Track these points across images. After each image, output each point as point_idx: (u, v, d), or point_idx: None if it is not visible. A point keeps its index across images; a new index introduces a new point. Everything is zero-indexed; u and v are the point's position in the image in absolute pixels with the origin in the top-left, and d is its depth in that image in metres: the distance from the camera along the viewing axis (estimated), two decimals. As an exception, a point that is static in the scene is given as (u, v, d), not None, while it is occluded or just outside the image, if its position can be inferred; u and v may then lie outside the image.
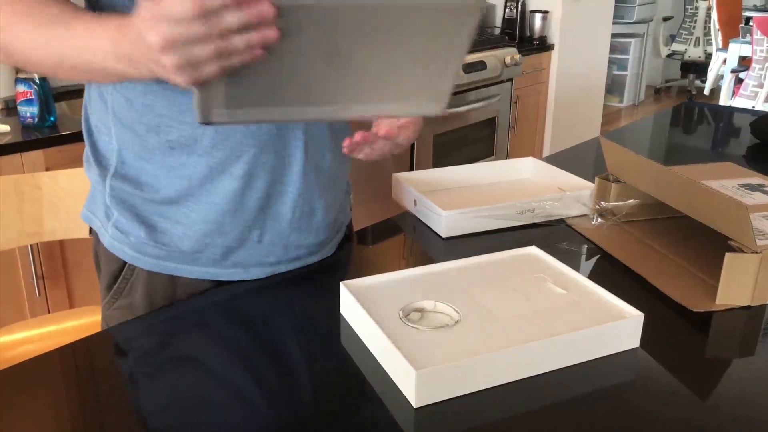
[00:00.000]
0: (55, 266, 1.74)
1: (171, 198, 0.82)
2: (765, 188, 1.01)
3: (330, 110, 0.68)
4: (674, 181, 0.88)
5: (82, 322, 1.42)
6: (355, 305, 0.73)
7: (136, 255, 0.84)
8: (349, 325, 0.76)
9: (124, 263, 0.86)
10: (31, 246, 1.67)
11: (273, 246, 0.86)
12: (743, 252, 0.77)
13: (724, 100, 4.35)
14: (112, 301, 0.88)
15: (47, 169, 1.64)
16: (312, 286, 0.89)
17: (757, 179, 1.06)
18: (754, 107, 3.97)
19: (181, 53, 0.57)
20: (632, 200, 1.00)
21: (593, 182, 1.05)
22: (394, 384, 0.65)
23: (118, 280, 0.87)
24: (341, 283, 0.78)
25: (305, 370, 0.69)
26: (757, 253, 0.77)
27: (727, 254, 0.77)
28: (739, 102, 4.11)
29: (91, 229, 0.91)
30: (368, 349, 0.71)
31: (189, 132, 0.78)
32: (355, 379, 0.68)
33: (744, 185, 1.03)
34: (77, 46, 0.67)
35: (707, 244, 0.88)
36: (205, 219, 0.82)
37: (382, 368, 0.68)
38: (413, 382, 0.61)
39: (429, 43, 0.67)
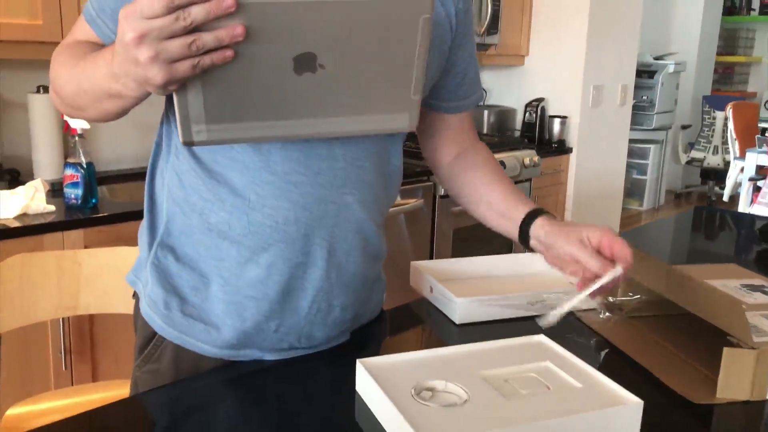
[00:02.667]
0: (82, 341, 1.80)
1: (203, 274, 0.89)
2: (765, 289, 1.06)
3: (305, 125, 0.72)
4: (678, 280, 0.93)
5: (106, 395, 1.46)
6: (371, 382, 0.78)
7: (165, 327, 0.91)
8: (363, 402, 0.81)
9: (155, 332, 0.93)
10: (62, 320, 1.74)
11: (288, 335, 0.92)
12: (741, 347, 0.82)
13: (742, 207, 4.40)
14: (143, 364, 0.95)
15: (85, 247, 1.74)
16: (329, 363, 0.94)
17: (758, 280, 1.11)
18: (772, 215, 4.02)
19: (152, 46, 0.63)
20: (639, 296, 1.05)
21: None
22: (404, 457, 0.69)
23: (149, 346, 0.94)
24: (358, 361, 0.83)
25: (321, 441, 0.74)
26: (754, 348, 0.81)
27: (725, 349, 0.81)
28: (757, 209, 4.16)
29: (134, 292, 0.98)
30: (381, 425, 0.75)
31: (226, 218, 0.86)
32: (368, 452, 0.72)
33: (746, 285, 1.07)
34: (87, 72, 0.77)
35: (710, 340, 0.92)
36: (228, 300, 0.88)
37: (394, 442, 0.72)
38: (422, 455, 0.65)
39: (388, 48, 0.70)
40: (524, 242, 0.98)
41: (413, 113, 0.79)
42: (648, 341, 0.98)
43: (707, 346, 0.93)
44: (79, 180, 1.80)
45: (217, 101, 0.68)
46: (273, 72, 0.68)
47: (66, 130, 1.85)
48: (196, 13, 0.63)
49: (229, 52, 0.65)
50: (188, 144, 0.70)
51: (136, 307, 0.98)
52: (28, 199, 1.74)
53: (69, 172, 1.81)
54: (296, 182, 0.85)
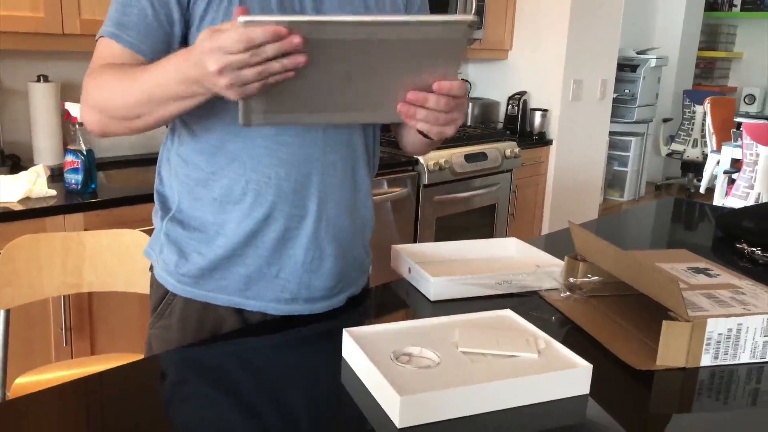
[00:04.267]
0: (82, 318, 1.90)
1: (209, 236, 1.04)
2: (709, 272, 1.18)
3: (337, 116, 0.91)
4: (626, 261, 1.05)
5: (106, 366, 1.56)
6: (355, 348, 0.89)
7: (176, 284, 1.07)
8: (348, 366, 0.92)
9: (167, 291, 1.08)
10: (63, 298, 1.83)
11: (288, 282, 1.05)
12: (678, 320, 0.93)
13: (717, 199, 4.56)
14: (155, 322, 1.10)
15: (86, 230, 1.83)
16: (318, 332, 1.05)
17: (703, 264, 1.23)
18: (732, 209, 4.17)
19: (231, 76, 0.79)
20: (596, 277, 1.17)
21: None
22: (383, 410, 0.80)
23: (161, 304, 1.09)
24: (344, 330, 0.94)
25: (309, 405, 0.85)
26: (689, 321, 0.93)
27: (664, 321, 0.93)
28: (731, 201, 4.32)
29: (151, 265, 1.13)
30: (364, 385, 0.86)
31: (226, 184, 1.02)
32: (351, 407, 0.83)
33: (691, 268, 1.20)
34: (153, 79, 0.89)
35: (656, 316, 1.04)
36: (232, 251, 1.03)
37: (374, 398, 0.83)
38: (397, 406, 0.77)
39: (425, 64, 0.88)
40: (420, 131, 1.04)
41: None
42: (602, 317, 1.10)
43: (653, 320, 1.05)
44: (80, 166, 1.89)
45: (274, 99, 0.85)
46: (322, 81, 0.86)
47: (66, 118, 1.93)
48: (270, 50, 0.78)
49: (290, 73, 0.81)
50: (246, 125, 0.87)
51: (152, 276, 1.12)
52: (31, 184, 1.83)
53: (70, 158, 1.90)
54: (284, 143, 1.00)
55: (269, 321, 1.08)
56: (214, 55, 0.78)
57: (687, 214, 2.01)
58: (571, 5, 3.45)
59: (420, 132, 0.97)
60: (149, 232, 1.53)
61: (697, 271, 1.18)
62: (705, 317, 0.94)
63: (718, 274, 1.16)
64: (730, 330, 0.95)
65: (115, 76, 0.93)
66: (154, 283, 1.11)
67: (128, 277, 1.52)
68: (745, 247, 1.49)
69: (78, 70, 2.32)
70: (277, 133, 1.00)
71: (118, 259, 1.51)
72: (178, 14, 0.96)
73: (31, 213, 1.76)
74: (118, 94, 0.93)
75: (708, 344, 0.95)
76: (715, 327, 0.94)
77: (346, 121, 0.96)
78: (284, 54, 0.79)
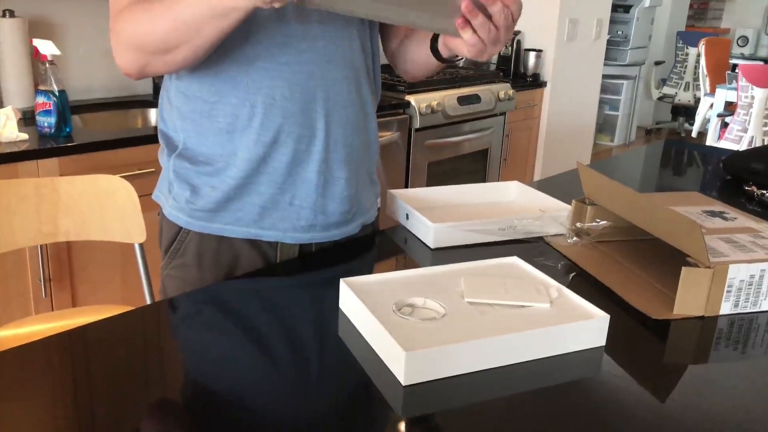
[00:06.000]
0: (61, 269, 1.82)
1: (219, 168, 1.00)
2: (725, 215, 1.11)
3: (385, 8, 0.86)
4: (641, 204, 0.98)
5: (88, 319, 1.49)
6: (354, 299, 0.82)
7: (189, 220, 1.03)
8: (346, 318, 0.85)
9: (180, 229, 1.04)
10: (40, 248, 1.75)
11: (302, 209, 1.03)
12: (698, 267, 0.87)
13: (710, 143, 4.51)
14: (169, 261, 1.06)
15: (61, 176, 1.73)
16: (317, 279, 0.98)
17: (719, 207, 1.16)
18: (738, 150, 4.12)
19: None
20: (605, 222, 1.10)
21: (571, 204, 1.15)
22: (386, 366, 0.74)
23: (174, 243, 1.05)
24: (341, 280, 0.87)
25: (306, 357, 0.78)
26: (709, 268, 0.87)
27: (683, 268, 0.87)
28: (724, 145, 4.27)
29: (159, 211, 1.09)
30: (363, 338, 0.80)
31: (231, 111, 0.98)
32: (350, 363, 0.76)
33: (706, 211, 1.13)
34: (185, 1, 0.84)
35: (671, 262, 0.98)
36: (244, 180, 1.00)
37: (375, 353, 0.77)
38: (402, 363, 0.70)
39: None
40: (434, 50, 1.07)
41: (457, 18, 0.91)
42: (613, 263, 1.04)
43: (668, 267, 0.99)
44: (52, 108, 1.78)
45: None
46: None
47: (36, 56, 1.81)
48: None
49: None
50: (299, 4, 0.82)
51: (160, 219, 1.08)
52: (0, 128, 1.72)
53: (41, 99, 1.78)
54: (284, 62, 0.96)
55: (287, 260, 1.06)
56: None
57: (689, 157, 1.94)
58: (567, -61, 3.30)
59: (435, 53, 0.99)
60: (129, 178, 1.45)
61: (713, 214, 1.12)
62: (726, 263, 0.88)
63: (734, 218, 1.10)
64: (752, 276, 0.89)
65: (144, 10, 0.88)
66: (165, 223, 1.07)
67: (107, 225, 1.43)
68: (755, 190, 1.43)
69: (47, 4, 2.17)
70: (274, 54, 0.96)
71: (95, 206, 1.42)
72: None
73: (1, 158, 1.66)
74: (151, 25, 0.88)
75: (729, 291, 0.89)
76: (737, 273, 0.88)
77: (397, 19, 0.90)
78: None
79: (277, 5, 0.79)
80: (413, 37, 1.12)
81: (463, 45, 0.92)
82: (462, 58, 1.03)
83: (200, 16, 0.84)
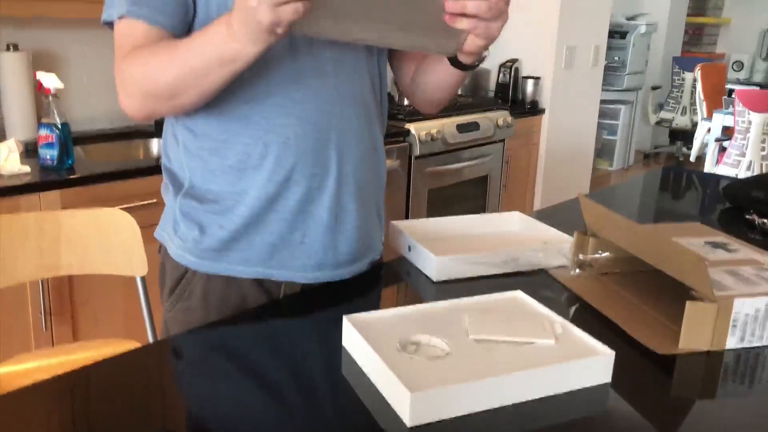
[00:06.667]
0: (62, 302, 1.81)
1: (229, 207, 0.99)
2: (728, 246, 1.12)
3: (383, 34, 0.87)
4: (644, 237, 0.98)
5: (89, 354, 1.49)
6: (357, 337, 0.82)
7: (196, 260, 1.01)
8: (349, 356, 0.84)
9: (186, 270, 1.02)
10: (41, 281, 1.74)
11: (313, 247, 1.01)
12: (702, 301, 0.87)
13: (708, 168, 4.52)
14: (174, 304, 1.04)
15: (63, 209, 1.74)
16: (320, 315, 0.97)
17: (721, 238, 1.16)
18: (737, 175, 4.14)
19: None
20: (608, 253, 1.10)
21: (573, 235, 1.15)
22: (390, 406, 0.74)
23: (180, 285, 1.03)
24: (344, 317, 0.86)
25: (309, 397, 0.77)
26: (714, 302, 0.87)
27: (687, 302, 0.87)
28: (722, 169, 4.28)
29: (160, 247, 1.07)
30: (367, 377, 0.79)
31: (242, 150, 0.97)
32: (355, 403, 0.76)
33: (709, 243, 1.13)
34: (194, 49, 0.85)
35: (675, 294, 0.97)
36: (255, 219, 0.99)
37: (380, 393, 0.76)
38: (408, 403, 0.70)
39: None
40: (452, 61, 1.03)
41: (459, 41, 0.92)
42: (616, 296, 1.03)
43: (672, 300, 0.98)
44: (54, 140, 1.79)
45: (324, 2, 0.80)
46: None
47: (39, 89, 1.82)
48: None
49: None
50: (298, 32, 0.83)
51: (163, 259, 1.06)
52: (2, 160, 1.73)
53: (43, 132, 1.79)
54: (296, 99, 0.96)
55: (290, 295, 1.04)
56: None
57: (689, 185, 1.95)
58: (563, -31, 3.35)
59: (452, 61, 0.98)
60: (130, 210, 1.45)
61: (716, 245, 1.12)
62: (731, 297, 0.88)
63: (737, 249, 1.10)
64: (757, 310, 0.89)
65: (151, 54, 0.89)
66: (169, 264, 1.05)
67: (109, 259, 1.43)
68: (756, 218, 1.43)
69: (50, 37, 2.20)
70: (288, 91, 0.96)
71: (97, 240, 1.42)
72: None
73: (4, 191, 1.66)
74: (158, 71, 0.88)
75: (734, 326, 0.89)
76: (742, 307, 0.88)
77: (399, 43, 0.91)
78: None
79: (280, 30, 0.79)
80: (428, 62, 1.10)
81: (471, 37, 0.91)
82: (486, 55, 1.01)
83: (209, 62, 0.84)
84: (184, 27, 0.93)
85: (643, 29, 5.58)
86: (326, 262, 1.04)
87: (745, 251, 1.09)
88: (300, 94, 0.96)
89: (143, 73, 0.89)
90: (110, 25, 0.95)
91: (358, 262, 1.08)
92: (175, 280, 1.04)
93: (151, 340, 1.47)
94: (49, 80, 1.77)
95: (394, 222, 1.24)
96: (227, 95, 0.94)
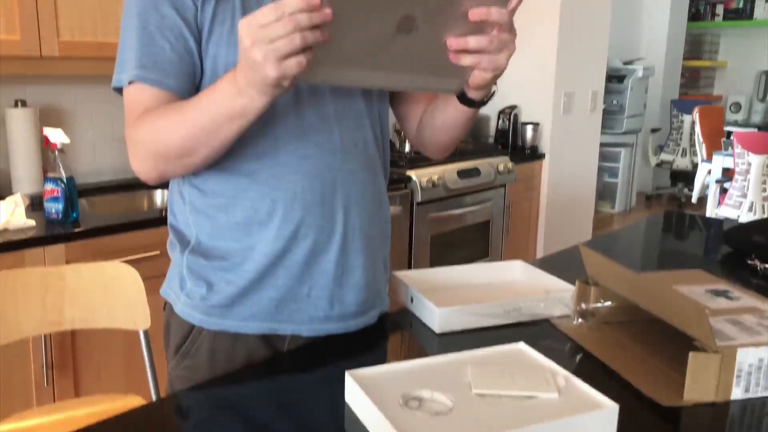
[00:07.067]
0: (64, 356, 1.81)
1: (236, 263, 0.99)
2: (729, 294, 1.12)
3: (387, 77, 0.87)
4: (645, 286, 0.98)
5: (92, 410, 1.48)
6: (360, 393, 0.82)
7: (203, 317, 1.01)
8: (353, 412, 0.84)
9: (192, 327, 1.01)
10: (44, 335, 1.74)
11: (320, 300, 1.02)
12: (705, 352, 0.87)
13: (710, 209, 4.53)
14: (180, 362, 1.03)
15: (67, 262, 1.75)
16: (323, 369, 0.97)
17: (722, 285, 1.17)
18: (739, 216, 4.14)
19: (263, 46, 0.75)
20: (610, 302, 1.10)
21: (575, 285, 1.15)
22: (393, 464, 0.73)
23: (186, 342, 1.02)
24: (347, 373, 0.86)
25: (312, 451, 0.77)
26: (717, 352, 0.86)
27: (690, 353, 0.86)
28: (724, 210, 4.29)
29: (165, 304, 1.07)
30: (369, 433, 0.79)
31: (250, 206, 0.98)
32: (358, 460, 0.75)
33: (710, 291, 1.13)
34: (201, 107, 0.86)
35: (678, 343, 0.97)
36: (263, 273, 0.99)
37: (382, 450, 0.75)
38: (410, 462, 0.69)
39: (465, 19, 0.84)
40: (461, 99, 1.02)
41: (463, 79, 0.93)
42: (619, 346, 1.03)
43: (675, 349, 0.98)
44: (60, 195, 1.81)
45: (335, 50, 0.81)
46: (379, 30, 0.81)
47: (46, 144, 1.85)
48: (301, 18, 0.74)
49: (324, 36, 0.77)
50: (305, 81, 0.84)
51: (168, 316, 1.06)
52: (8, 215, 1.74)
53: (49, 186, 1.81)
54: (303, 155, 0.98)
55: (294, 350, 1.04)
56: (246, 28, 0.76)
57: (690, 230, 1.95)
58: (560, 18, 3.42)
59: (461, 99, 0.98)
60: (133, 262, 1.46)
61: (717, 293, 1.12)
62: (734, 347, 0.88)
63: (739, 297, 1.10)
64: (761, 360, 0.88)
65: (159, 116, 0.90)
66: (175, 321, 1.05)
67: (112, 313, 1.44)
68: (758, 264, 1.43)
69: (57, 93, 2.24)
70: (294, 147, 0.98)
71: (101, 294, 1.43)
72: (194, 43, 0.94)
73: (9, 246, 1.67)
74: (168, 132, 0.89)
75: (739, 376, 0.88)
76: (746, 357, 0.88)
77: (404, 85, 0.92)
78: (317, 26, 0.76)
79: (286, 83, 0.79)
80: (436, 104, 1.10)
81: (477, 72, 0.91)
82: (495, 90, 1.02)
83: (218, 118, 0.85)
84: (192, 89, 0.95)
85: (640, 73, 5.67)
86: (332, 315, 1.04)
87: (746, 299, 1.09)
88: (306, 149, 0.98)
89: (153, 135, 0.90)
90: (119, 90, 0.97)
91: (365, 314, 1.09)
92: (181, 337, 1.04)
93: (153, 393, 1.46)
94: (56, 135, 1.80)
95: (396, 272, 1.25)
96: (234, 153, 0.95)
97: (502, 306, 1.12)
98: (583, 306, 1.12)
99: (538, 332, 1.10)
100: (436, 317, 1.08)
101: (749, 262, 1.46)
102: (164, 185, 1.09)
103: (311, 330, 1.03)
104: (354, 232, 1.03)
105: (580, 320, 1.11)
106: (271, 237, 0.98)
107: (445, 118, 1.08)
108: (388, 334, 1.15)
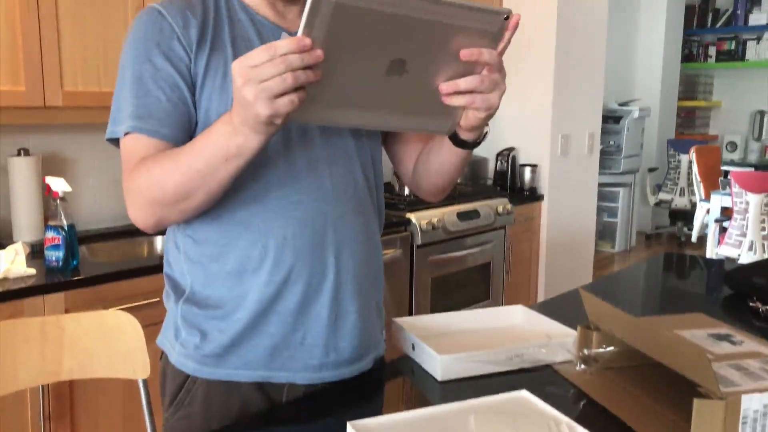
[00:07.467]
0: (62, 406, 1.78)
1: (229, 311, 0.99)
2: (732, 338, 1.11)
3: (377, 118, 0.88)
4: (647, 331, 0.98)
5: (89, 462, 1.45)
6: (360, 444, 0.81)
7: (197, 367, 1.00)
8: (353, 464, 0.83)
9: (187, 377, 1.01)
10: (42, 385, 1.72)
11: (314, 347, 1.01)
12: (710, 398, 0.86)
13: (710, 248, 4.53)
14: (175, 412, 1.03)
15: (66, 311, 1.74)
16: (323, 421, 0.96)
17: (725, 330, 1.16)
18: (739, 255, 4.14)
19: (255, 86, 0.76)
20: (612, 347, 1.09)
21: (577, 330, 1.15)
22: None
23: (180, 392, 1.02)
24: (348, 424, 0.85)
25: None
26: (721, 399, 0.85)
27: (695, 400, 0.86)
28: (724, 250, 4.28)
29: (162, 354, 1.07)
30: (371, 487, 0.77)
31: (241, 254, 0.99)
32: None
33: (712, 335, 1.13)
34: (197, 150, 0.87)
35: (682, 388, 0.96)
36: (256, 321, 0.99)
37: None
38: None
39: (457, 62, 0.85)
40: (455, 140, 1.02)
41: (455, 119, 0.94)
42: (623, 391, 1.02)
43: (679, 394, 0.97)
44: (61, 242, 1.81)
45: (327, 92, 0.82)
46: (371, 72, 0.82)
47: (47, 192, 1.87)
48: (292, 59, 0.75)
49: (316, 76, 0.78)
50: (298, 121, 0.85)
51: (164, 366, 1.06)
52: (9, 263, 1.75)
53: (50, 234, 1.82)
54: (294, 201, 0.99)
55: (293, 400, 1.03)
56: (239, 68, 0.77)
57: (690, 271, 1.95)
58: (555, 61, 3.48)
59: (455, 140, 0.99)
60: (131, 310, 1.45)
61: (719, 338, 1.11)
62: (738, 393, 0.87)
63: (741, 341, 1.09)
64: (766, 406, 0.87)
65: (155, 164, 0.91)
66: (170, 371, 1.05)
67: (111, 362, 1.42)
68: (759, 306, 1.43)
69: (60, 142, 2.27)
70: (284, 193, 0.98)
71: (100, 343, 1.41)
72: (188, 93, 0.96)
73: (8, 295, 1.67)
74: (165, 178, 0.90)
75: (744, 422, 0.87)
76: (750, 404, 0.87)
77: (396, 125, 0.93)
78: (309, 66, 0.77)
79: (278, 121, 0.80)
80: (430, 147, 1.10)
81: (470, 112, 0.92)
82: (487, 131, 1.01)
83: (214, 160, 0.86)
84: (187, 138, 0.96)
85: (636, 114, 5.73)
86: (327, 362, 1.03)
87: (749, 343, 1.09)
88: (296, 195, 0.99)
89: (149, 182, 0.91)
90: (113, 141, 0.99)
91: (360, 361, 1.08)
92: (176, 387, 1.03)
93: (151, 444, 1.43)
94: (58, 184, 1.82)
95: (396, 319, 1.24)
96: (226, 201, 0.96)
97: (504, 353, 1.11)
98: (586, 351, 1.11)
99: (540, 378, 1.09)
100: (438, 365, 1.07)
101: (751, 304, 1.45)
102: (164, 231, 1.09)
103: (306, 378, 1.02)
104: (346, 277, 1.03)
105: (582, 366, 1.10)
106: (263, 283, 0.98)
107: (440, 161, 1.09)
108: (390, 381, 1.14)
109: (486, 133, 1.01)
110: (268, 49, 0.75)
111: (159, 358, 1.09)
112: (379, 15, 0.76)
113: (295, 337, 1.01)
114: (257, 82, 0.75)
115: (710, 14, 6.87)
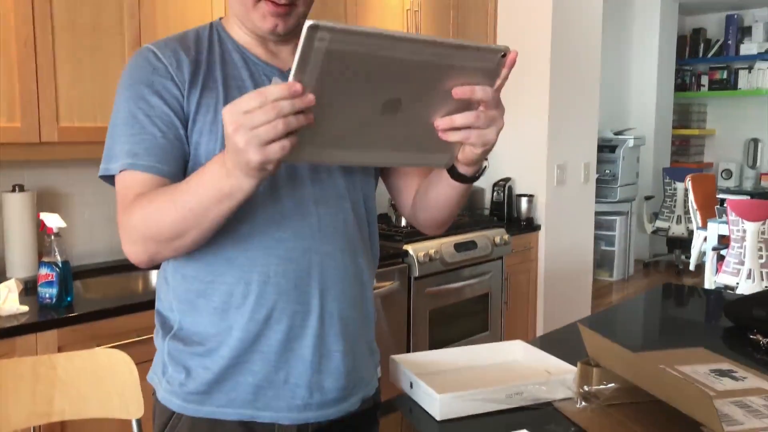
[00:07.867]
0: (54, 446, 1.75)
1: (212, 348, 0.99)
2: (734, 374, 1.09)
3: (374, 155, 0.87)
4: (647, 368, 0.97)
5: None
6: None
7: (182, 404, 1.00)
8: None
9: (173, 414, 1.01)
10: (33, 427, 1.69)
11: (298, 387, 1.00)
12: (714, 438, 0.84)
13: (708, 276, 4.51)
14: None
15: (59, 348, 1.72)
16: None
17: (726, 365, 1.15)
18: (737, 283, 4.12)
19: (246, 132, 0.75)
20: (613, 384, 1.08)
21: (577, 366, 1.13)
22: None
23: (166, 429, 1.02)
24: (344, 468, 0.83)
25: None
26: (726, 438, 0.84)
27: (699, 440, 0.84)
28: (723, 278, 4.27)
29: (153, 391, 1.07)
30: None
31: (226, 290, 0.99)
32: None
33: (714, 371, 1.11)
34: (191, 190, 0.87)
35: (684, 425, 0.94)
36: (238, 359, 0.99)
37: None
38: None
39: (452, 99, 0.84)
40: (453, 174, 1.01)
41: (453, 154, 0.93)
42: (624, 429, 1.00)
43: (681, 431, 0.95)
44: (54, 279, 1.80)
45: (321, 132, 0.81)
46: (365, 112, 0.81)
47: (42, 228, 1.85)
48: (283, 105, 0.74)
49: (308, 120, 0.76)
50: (292, 161, 0.84)
51: (154, 402, 1.07)
52: (1, 301, 1.73)
53: (44, 271, 1.80)
54: (279, 239, 0.98)
55: None
56: (230, 115, 0.76)
57: (689, 302, 1.94)
58: (550, 92, 3.51)
59: (453, 175, 0.97)
60: (125, 347, 1.43)
61: (721, 373, 1.10)
62: (742, 432, 0.86)
63: (744, 377, 1.08)
64: (771, 445, 0.86)
65: (150, 201, 0.91)
66: (158, 408, 1.05)
67: (104, 402, 1.40)
68: (760, 339, 1.41)
69: (55, 177, 2.26)
70: (269, 231, 0.98)
71: (93, 383, 1.39)
72: (183, 130, 0.97)
73: (0, 333, 1.64)
74: (159, 216, 0.90)
75: (750, 463, 0.85)
76: (755, 443, 0.85)
77: (393, 161, 0.92)
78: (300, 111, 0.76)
79: (270, 167, 0.79)
80: (429, 180, 1.09)
81: (466, 147, 0.91)
82: (486, 166, 1.01)
83: (207, 200, 0.86)
84: (182, 174, 0.97)
85: (631, 143, 5.77)
86: (312, 402, 1.02)
87: (752, 379, 1.07)
88: (282, 234, 0.99)
89: (144, 219, 0.91)
90: (107, 178, 0.99)
91: (346, 401, 1.06)
92: (162, 424, 1.03)
93: (144, 487, 1.40)
94: (53, 220, 1.81)
95: (394, 357, 1.22)
96: (214, 239, 0.96)
97: (504, 391, 1.09)
98: (586, 388, 1.09)
99: (541, 417, 1.07)
100: (437, 404, 1.05)
101: (751, 336, 1.44)
102: (159, 266, 1.09)
103: (290, 419, 1.01)
104: (331, 318, 1.02)
105: (583, 403, 1.08)
106: (245, 320, 0.98)
107: (438, 195, 1.08)
108: (387, 421, 1.12)
109: (485, 167, 1.01)
110: (259, 95, 0.74)
111: (152, 394, 1.09)
112: (372, 58, 0.76)
113: (279, 377, 1.00)
114: (248, 129, 0.75)
115: (702, 44, 6.96)
